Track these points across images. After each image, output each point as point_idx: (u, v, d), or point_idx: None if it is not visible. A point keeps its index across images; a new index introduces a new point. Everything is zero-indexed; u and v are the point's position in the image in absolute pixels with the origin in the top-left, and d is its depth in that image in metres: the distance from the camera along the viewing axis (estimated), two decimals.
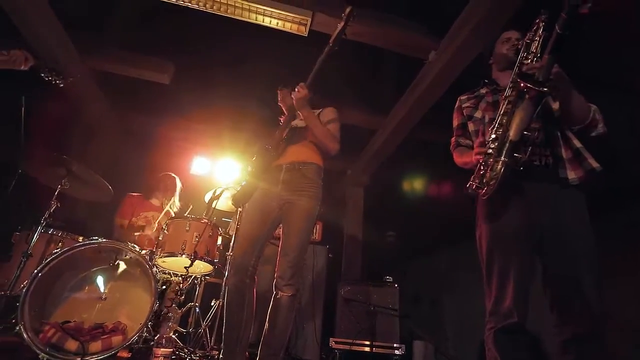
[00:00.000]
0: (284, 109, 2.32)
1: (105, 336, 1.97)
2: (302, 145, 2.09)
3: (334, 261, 3.87)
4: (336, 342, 3.17)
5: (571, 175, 1.38)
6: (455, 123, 1.72)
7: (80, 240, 2.48)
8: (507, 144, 1.32)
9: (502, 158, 1.31)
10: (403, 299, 3.40)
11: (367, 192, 5.12)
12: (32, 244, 2.24)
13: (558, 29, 1.22)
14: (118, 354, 1.96)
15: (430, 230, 4.72)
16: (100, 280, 2.27)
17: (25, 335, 1.81)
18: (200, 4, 3.10)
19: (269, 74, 3.00)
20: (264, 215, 1.98)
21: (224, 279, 2.60)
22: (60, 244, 2.45)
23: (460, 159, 1.63)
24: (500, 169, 1.31)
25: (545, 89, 1.26)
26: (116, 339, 1.97)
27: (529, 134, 1.31)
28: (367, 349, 3.04)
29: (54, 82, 1.96)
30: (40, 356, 1.77)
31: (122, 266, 2.34)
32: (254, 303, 1.92)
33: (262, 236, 1.97)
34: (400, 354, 2.98)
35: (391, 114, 4.05)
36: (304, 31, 3.25)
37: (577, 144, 1.42)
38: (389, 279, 3.53)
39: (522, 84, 1.28)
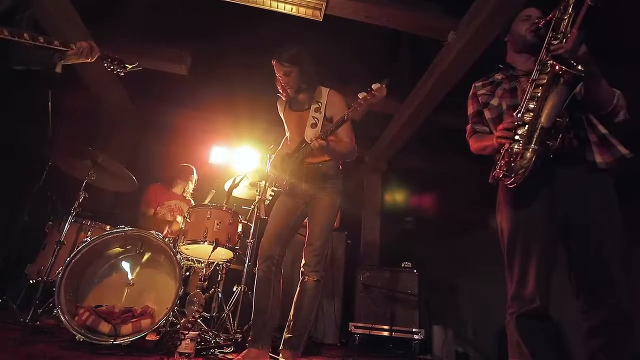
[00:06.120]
0: (281, 86, 2.18)
1: (135, 319, 2.07)
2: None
3: (352, 247, 3.90)
4: (355, 327, 3.23)
5: (599, 159, 1.32)
6: (470, 110, 1.66)
7: (108, 229, 2.59)
8: (538, 131, 1.26)
9: (533, 146, 1.26)
10: (422, 285, 3.41)
11: (385, 178, 5.09)
12: (64, 233, 2.35)
13: (589, 0, 1.15)
14: (147, 337, 2.05)
15: (449, 215, 4.66)
16: (127, 266, 2.36)
17: (62, 318, 1.92)
18: None
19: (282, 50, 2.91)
20: (290, 210, 2.12)
21: (245, 265, 2.68)
22: (89, 232, 2.57)
23: (478, 144, 1.57)
24: (531, 157, 1.25)
25: (583, 73, 1.18)
26: (145, 322, 2.06)
27: (561, 120, 1.25)
28: (386, 333, 3.08)
29: (115, 72, 1.99)
30: (77, 337, 1.88)
31: (148, 253, 2.42)
32: (280, 291, 2.04)
33: (289, 229, 2.11)
34: (420, 339, 3.00)
35: (409, 98, 3.97)
36: (318, 16, 3.20)
37: (602, 129, 1.35)
38: (408, 264, 3.53)
39: (557, 67, 1.20)
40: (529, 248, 1.35)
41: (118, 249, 2.39)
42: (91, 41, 1.85)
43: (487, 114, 1.57)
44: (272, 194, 2.35)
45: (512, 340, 1.35)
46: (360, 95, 1.81)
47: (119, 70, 1.99)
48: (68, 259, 2.11)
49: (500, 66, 1.63)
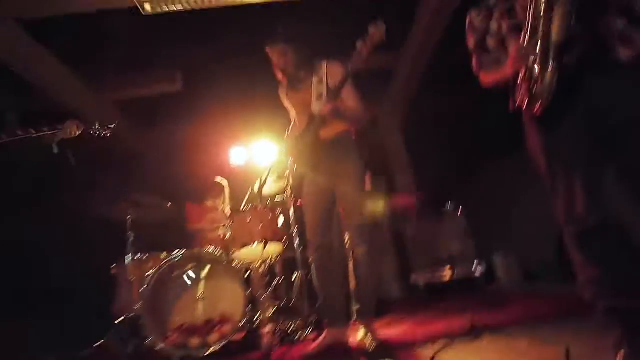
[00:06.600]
0: (281, 69, 2.19)
1: (217, 328, 2.26)
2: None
3: (391, 205, 3.92)
4: (417, 276, 3.30)
5: (623, 54, 1.23)
6: (471, 42, 1.55)
7: (165, 256, 2.78)
8: (553, 48, 1.17)
9: (551, 65, 1.18)
10: (470, 218, 3.42)
11: (404, 130, 5.02)
12: (129, 271, 2.55)
13: None
14: (233, 340, 2.23)
15: (481, 144, 4.55)
16: (193, 284, 2.54)
17: (158, 345, 2.13)
18: (179, 4, 3.06)
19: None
20: (321, 192, 2.11)
21: (297, 251, 2.79)
22: (149, 264, 2.76)
23: (490, 77, 1.49)
24: (553, 77, 1.18)
25: None
26: (227, 328, 2.25)
27: (575, 28, 1.15)
28: (448, 276, 3.14)
29: (102, 135, 2.15)
30: (177, 357, 2.09)
31: (207, 267, 2.58)
32: (340, 271, 2.10)
33: (327, 211, 2.11)
34: (483, 272, 3.04)
35: (406, 44, 3.82)
36: None
37: (620, 23, 1.23)
38: (451, 205, 3.54)
39: None
40: (569, 171, 1.26)
41: (180, 271, 2.57)
42: (75, 120, 2.04)
43: (490, 42, 1.49)
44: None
45: (577, 260, 1.30)
46: (358, 44, 1.77)
47: (104, 133, 2.15)
48: (141, 293, 2.32)
49: None
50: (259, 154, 4.18)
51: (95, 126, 2.12)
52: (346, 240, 2.07)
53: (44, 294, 2.85)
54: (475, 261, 3.15)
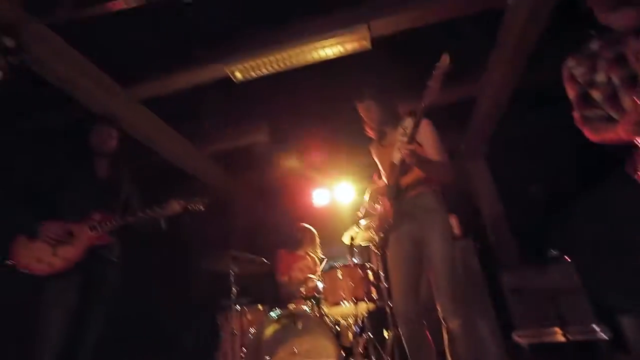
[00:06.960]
0: (368, 124, 2.26)
1: None
2: (411, 174, 2.03)
3: (484, 249, 3.65)
4: (520, 336, 2.97)
5: None
6: (572, 95, 1.42)
7: (261, 308, 2.98)
8: None
9: None
10: (582, 269, 2.99)
11: (490, 161, 4.69)
12: (233, 324, 2.77)
13: None
14: None
15: (584, 173, 4.02)
16: (288, 339, 2.66)
17: None
18: (264, 69, 3.36)
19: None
20: (405, 259, 2.05)
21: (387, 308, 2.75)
22: (249, 316, 2.97)
23: (598, 135, 1.34)
24: None
25: None
26: None
27: None
28: (560, 337, 2.75)
29: (198, 209, 2.48)
30: None
31: (300, 323, 2.69)
32: (431, 342, 1.98)
33: (413, 278, 2.03)
34: (608, 337, 2.58)
35: (488, 70, 3.60)
36: (367, 45, 3.19)
37: None
38: (555, 252, 3.15)
39: None
40: None
41: (276, 326, 2.72)
42: (177, 199, 2.38)
43: (595, 95, 1.34)
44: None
45: None
46: (429, 82, 1.73)
47: (200, 207, 2.47)
48: (244, 346, 2.54)
49: (593, 32, 1.38)
50: (341, 196, 4.32)
51: (192, 203, 2.45)
52: (438, 309, 1.92)
53: (154, 343, 3.24)
54: (594, 323, 2.72)
